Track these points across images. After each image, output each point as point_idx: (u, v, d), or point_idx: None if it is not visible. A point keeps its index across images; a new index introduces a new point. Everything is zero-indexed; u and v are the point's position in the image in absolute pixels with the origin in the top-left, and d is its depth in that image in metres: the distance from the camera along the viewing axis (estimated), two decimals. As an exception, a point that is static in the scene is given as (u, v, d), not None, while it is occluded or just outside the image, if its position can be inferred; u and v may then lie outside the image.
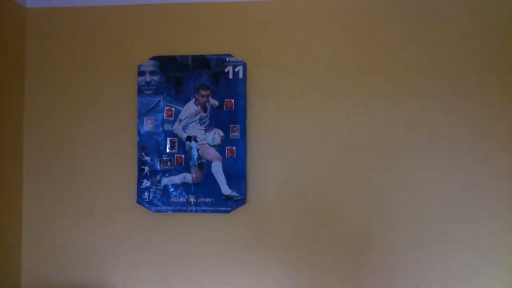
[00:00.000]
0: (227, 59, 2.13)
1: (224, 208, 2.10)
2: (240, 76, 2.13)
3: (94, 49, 2.23)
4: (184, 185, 2.13)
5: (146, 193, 2.15)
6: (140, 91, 2.17)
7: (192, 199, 2.12)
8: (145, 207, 2.15)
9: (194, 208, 2.12)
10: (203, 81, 2.15)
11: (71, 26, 2.25)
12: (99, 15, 2.23)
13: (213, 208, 2.11)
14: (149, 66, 2.17)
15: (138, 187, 2.15)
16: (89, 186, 2.20)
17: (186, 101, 2.15)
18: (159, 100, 2.17)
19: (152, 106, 2.17)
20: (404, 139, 2.06)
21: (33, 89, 2.25)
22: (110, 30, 2.23)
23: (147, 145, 2.16)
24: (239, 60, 2.13)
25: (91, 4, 2.23)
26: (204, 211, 2.11)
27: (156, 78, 2.17)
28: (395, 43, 2.09)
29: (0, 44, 2.08)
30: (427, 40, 2.08)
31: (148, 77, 2.17)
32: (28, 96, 2.25)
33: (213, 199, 2.11)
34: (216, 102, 2.14)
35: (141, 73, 2.17)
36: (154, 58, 2.17)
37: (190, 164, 2.14)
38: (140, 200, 2.15)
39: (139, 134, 2.16)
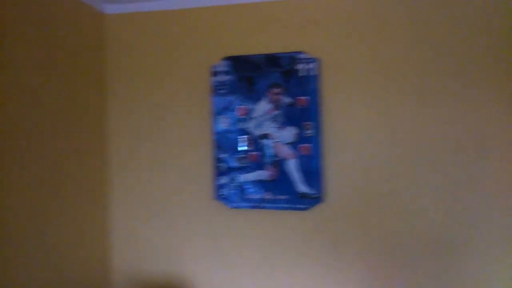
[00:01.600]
0: (299, 56, 2.13)
1: (301, 206, 2.13)
2: (313, 73, 2.12)
3: (169, 52, 2.32)
4: (260, 182, 2.19)
5: (223, 190, 2.23)
6: (214, 91, 2.23)
7: (268, 196, 2.18)
8: (222, 203, 2.24)
9: (270, 205, 2.18)
10: (275, 79, 2.16)
11: (147, 30, 2.34)
12: (173, 19, 2.30)
13: (289, 205, 2.15)
14: (222, 66, 2.22)
15: (215, 184, 2.24)
16: (170, 183, 2.33)
17: (259, 99, 2.19)
18: (233, 99, 2.22)
19: (226, 105, 2.22)
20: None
21: (113, 93, 2.39)
22: (184, 33, 2.30)
23: (222, 143, 2.23)
24: (312, 57, 2.12)
25: (165, 8, 2.30)
26: (280, 208, 2.16)
27: (229, 78, 2.22)
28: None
29: (80, 51, 2.21)
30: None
31: (221, 77, 2.22)
32: (110, 100, 2.39)
33: (289, 196, 2.15)
34: (288, 100, 2.15)
35: (214, 74, 2.23)
36: (226, 59, 2.22)
37: (265, 161, 2.18)
38: (217, 196, 2.24)
39: (214, 132, 2.23)
